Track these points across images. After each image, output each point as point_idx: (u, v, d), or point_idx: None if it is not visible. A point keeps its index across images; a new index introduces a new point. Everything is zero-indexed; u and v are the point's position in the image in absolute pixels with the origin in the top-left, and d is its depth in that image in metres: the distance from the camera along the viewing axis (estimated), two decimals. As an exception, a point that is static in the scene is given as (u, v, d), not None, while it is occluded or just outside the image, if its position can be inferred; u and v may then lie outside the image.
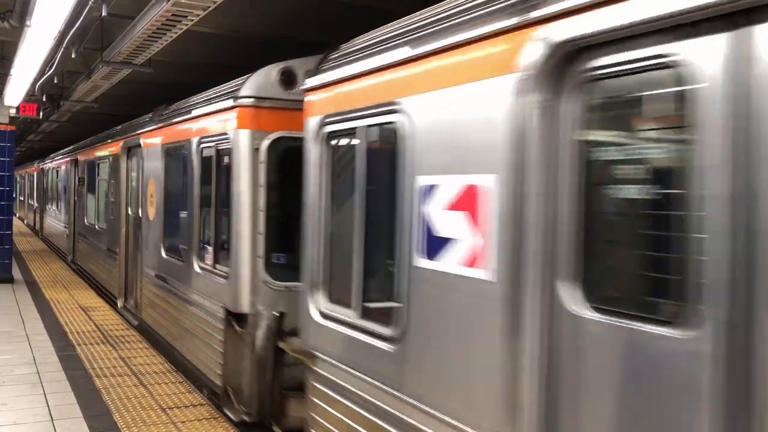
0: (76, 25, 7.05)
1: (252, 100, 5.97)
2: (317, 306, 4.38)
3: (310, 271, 4.46)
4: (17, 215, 34.30)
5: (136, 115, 11.45)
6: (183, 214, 7.69)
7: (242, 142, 5.98)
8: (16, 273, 14.17)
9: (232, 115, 6.14)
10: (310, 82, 4.64)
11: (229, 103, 6.20)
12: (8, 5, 7.58)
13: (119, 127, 11.95)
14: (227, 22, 7.35)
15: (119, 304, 11.08)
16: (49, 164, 23.46)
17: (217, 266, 6.65)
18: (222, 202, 6.59)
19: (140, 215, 9.64)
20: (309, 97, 4.68)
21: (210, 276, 6.78)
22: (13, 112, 13.18)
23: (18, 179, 35.42)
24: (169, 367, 7.46)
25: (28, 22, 6.72)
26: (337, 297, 4.24)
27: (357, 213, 4.02)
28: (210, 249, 6.94)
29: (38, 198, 26.50)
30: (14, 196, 26.56)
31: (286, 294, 5.81)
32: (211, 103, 6.80)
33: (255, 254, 5.91)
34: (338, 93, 4.32)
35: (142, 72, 9.23)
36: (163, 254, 8.42)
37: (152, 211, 8.91)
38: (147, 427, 5.58)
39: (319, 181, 4.46)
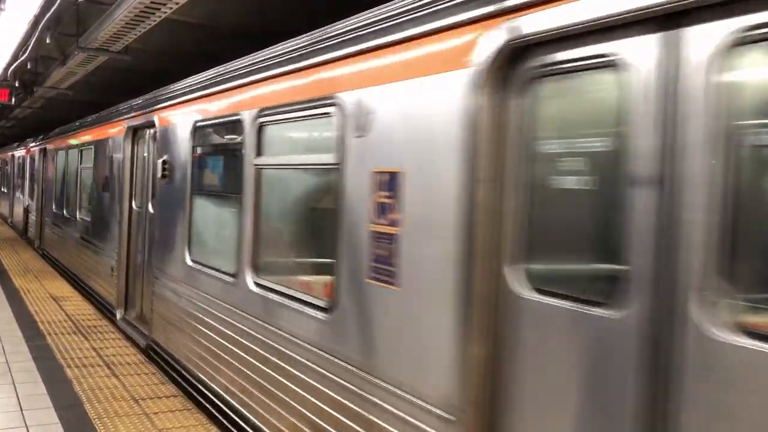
0: (52, 10, 6.94)
1: None
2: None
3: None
4: None
5: (112, 103, 11.28)
6: (225, 210, 5.96)
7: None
8: (-14, 261, 13.89)
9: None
10: None
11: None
12: (-18, -12, 7.43)
13: (122, 106, 9.72)
14: (206, 11, 7.28)
15: (118, 315, 9.01)
16: (18, 152, 22.38)
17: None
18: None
19: (151, 209, 7.87)
20: None
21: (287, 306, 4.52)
22: (-16, 96, 12.93)
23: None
24: (142, 358, 7.40)
25: (2, 6, 6.60)
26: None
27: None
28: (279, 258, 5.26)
29: (6, 185, 25.79)
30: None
31: None
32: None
33: None
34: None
35: (119, 59, 9.11)
36: (188, 261, 6.44)
37: (167, 204, 7.09)
38: (119, 418, 5.53)
39: None
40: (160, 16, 6.70)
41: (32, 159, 18.94)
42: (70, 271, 12.70)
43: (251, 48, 6.01)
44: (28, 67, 10.96)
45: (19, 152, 22.71)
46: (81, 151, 12.23)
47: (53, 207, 14.77)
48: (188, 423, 5.52)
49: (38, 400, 5.84)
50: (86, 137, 11.70)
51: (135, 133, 8.81)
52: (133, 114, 8.66)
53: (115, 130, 9.44)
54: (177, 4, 6.22)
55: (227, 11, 7.35)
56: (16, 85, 12.98)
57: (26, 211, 19.88)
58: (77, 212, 12.47)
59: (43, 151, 16.84)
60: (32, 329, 8.45)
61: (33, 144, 19.16)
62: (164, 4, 6.24)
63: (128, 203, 8.84)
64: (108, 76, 11.64)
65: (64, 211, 13.56)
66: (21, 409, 5.60)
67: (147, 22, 6.98)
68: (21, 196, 21.59)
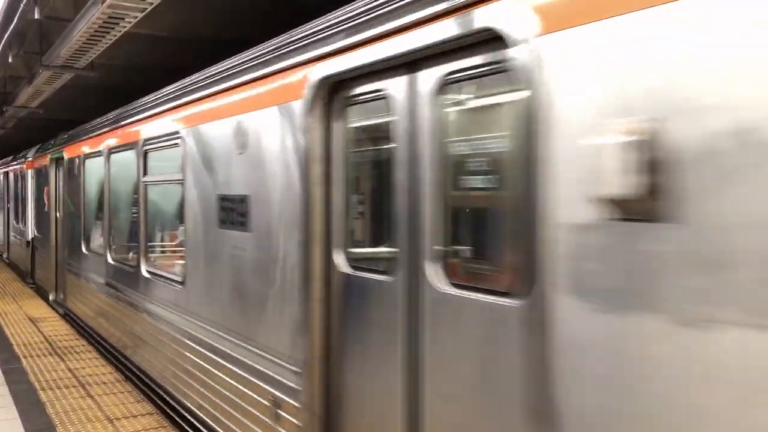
0: (10, 28, 6.84)
1: None
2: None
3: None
4: None
5: (84, 120, 11.16)
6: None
7: None
8: (-38, 285, 13.64)
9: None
10: None
11: None
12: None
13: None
14: (169, 23, 7.21)
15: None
16: (12, 168, 18.48)
17: None
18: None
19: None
20: None
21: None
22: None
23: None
24: (118, 377, 7.29)
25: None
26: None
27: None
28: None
29: None
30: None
31: None
32: None
33: None
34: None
35: (86, 76, 9.00)
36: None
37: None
38: (91, 439, 5.44)
39: None
40: (120, 31, 6.62)
41: (38, 174, 13.81)
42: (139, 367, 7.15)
43: (219, 57, 5.95)
44: (-4, 87, 10.83)
45: (15, 167, 17.53)
46: (146, 152, 6.91)
47: (85, 244, 9.57)
48: (162, 441, 5.43)
49: (9, 426, 5.73)
50: (168, 125, 6.22)
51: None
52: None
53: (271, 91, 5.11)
54: (136, 17, 6.14)
55: (191, 22, 7.28)
56: (-14, 105, 12.82)
57: (31, 246, 14.47)
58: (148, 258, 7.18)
59: (58, 162, 11.66)
60: (7, 352, 8.32)
61: (36, 154, 14.22)
62: (123, 18, 6.15)
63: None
64: (77, 94, 11.51)
65: (113, 253, 8.32)
66: (-9, 436, 5.50)
67: (108, 37, 6.89)
68: (20, 226, 16.25)
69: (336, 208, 3.70)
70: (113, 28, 6.54)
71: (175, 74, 6.98)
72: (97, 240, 9.23)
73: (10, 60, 8.20)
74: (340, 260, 3.69)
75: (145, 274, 6.87)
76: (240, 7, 6.66)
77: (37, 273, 14.03)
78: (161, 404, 6.25)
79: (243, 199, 4.56)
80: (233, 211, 4.71)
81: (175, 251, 6.88)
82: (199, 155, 5.32)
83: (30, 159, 14.81)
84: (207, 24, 7.33)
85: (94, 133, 9.21)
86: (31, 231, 14.54)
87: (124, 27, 6.45)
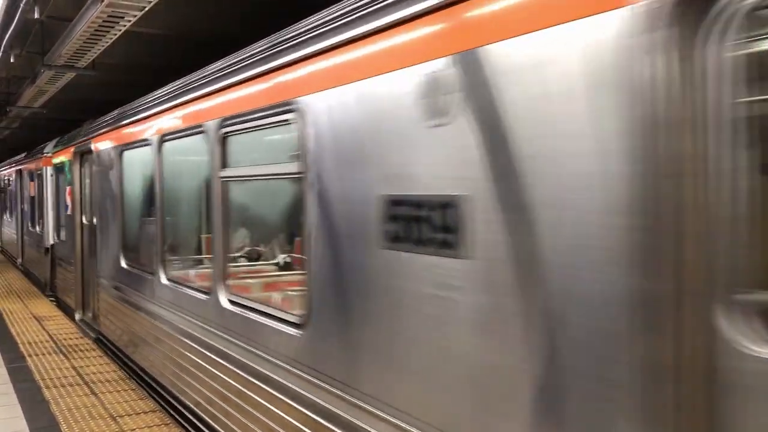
0: (11, 28, 6.87)
1: None
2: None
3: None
4: None
5: (87, 119, 11.20)
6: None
7: None
8: (-31, 285, 13.70)
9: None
10: None
11: None
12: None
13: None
14: (170, 22, 7.23)
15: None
16: (25, 166, 16.67)
17: None
18: None
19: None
20: None
21: None
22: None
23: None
24: (122, 375, 7.33)
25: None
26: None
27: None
28: None
29: (9, 210, 21.92)
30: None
31: None
32: None
33: None
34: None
35: (88, 75, 9.03)
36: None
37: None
38: (95, 436, 5.47)
39: None
40: (120, 30, 6.64)
41: (58, 171, 11.97)
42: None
43: (220, 56, 5.96)
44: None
45: (28, 165, 16.04)
46: (225, 135, 5.19)
47: (124, 256, 7.68)
48: (165, 438, 5.46)
49: (13, 423, 5.77)
50: (270, 92, 4.66)
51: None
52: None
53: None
54: (135, 16, 6.15)
55: (191, 21, 7.30)
56: (-10, 106, 12.90)
57: (51, 255, 12.79)
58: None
59: (83, 157, 9.90)
60: (12, 351, 8.37)
61: (56, 149, 12.29)
62: (122, 17, 6.17)
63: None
64: (80, 93, 11.56)
65: (166, 271, 6.31)
66: (-5, 434, 5.54)
67: (108, 36, 6.91)
68: (35, 229, 14.72)
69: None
70: (113, 27, 6.57)
71: (177, 73, 7.00)
72: (144, 253, 7.07)
73: (12, 60, 8.23)
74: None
75: (225, 304, 4.76)
76: (240, 3, 6.67)
77: (57, 284, 12.48)
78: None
79: (450, 203, 2.59)
80: (424, 223, 2.74)
81: (277, 274, 5.47)
82: (332, 135, 3.40)
83: (48, 154, 12.92)
84: (206, 21, 7.34)
85: (137, 117, 6.94)
86: (50, 237, 12.75)
87: (124, 26, 6.47)
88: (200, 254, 6.12)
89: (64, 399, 6.45)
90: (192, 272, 6.04)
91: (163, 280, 6.21)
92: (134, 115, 7.17)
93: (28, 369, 7.55)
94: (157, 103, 6.41)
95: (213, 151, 4.94)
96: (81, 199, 9.96)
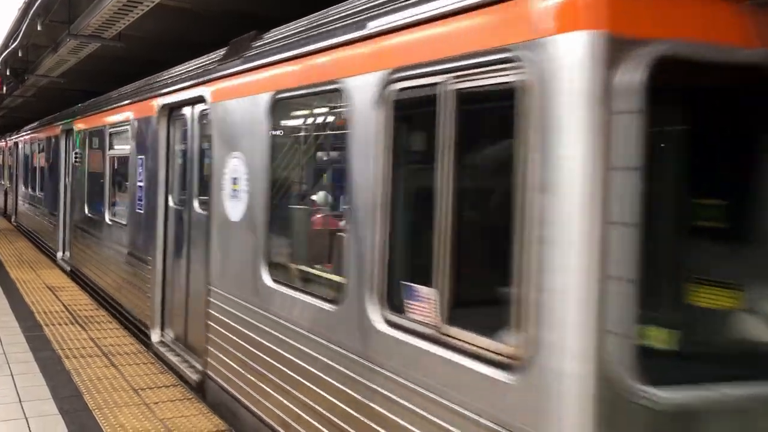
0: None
1: None
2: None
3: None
4: None
5: (105, 91, 11.16)
6: None
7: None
8: (-20, 252, 13.72)
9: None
10: None
11: None
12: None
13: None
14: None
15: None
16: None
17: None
18: None
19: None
20: None
21: None
22: (-26, 86, 12.74)
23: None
24: (140, 348, 7.36)
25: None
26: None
27: None
28: None
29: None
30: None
31: None
32: None
33: None
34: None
35: (112, 47, 8.99)
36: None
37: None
38: (119, 408, 5.50)
39: None
40: (153, 1, 6.60)
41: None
42: None
43: (245, 32, 5.91)
44: (19, 55, 10.81)
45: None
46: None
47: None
48: (189, 413, 5.49)
49: (37, 392, 5.80)
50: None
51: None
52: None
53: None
54: (170, -12, 6.12)
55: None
56: (7, 73, 12.83)
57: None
58: None
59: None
60: (29, 320, 8.40)
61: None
62: (157, -11, 6.14)
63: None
64: (101, 64, 11.50)
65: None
66: (20, 401, 5.56)
67: (140, 8, 6.88)
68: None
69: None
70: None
71: (202, 50, 6.95)
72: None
73: (39, 28, 8.18)
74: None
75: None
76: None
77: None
78: None
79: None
80: None
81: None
82: None
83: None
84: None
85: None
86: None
87: (157, -2, 6.43)
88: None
89: (84, 370, 6.47)
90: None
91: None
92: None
93: (46, 338, 7.57)
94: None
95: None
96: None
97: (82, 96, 13.92)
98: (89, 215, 10.51)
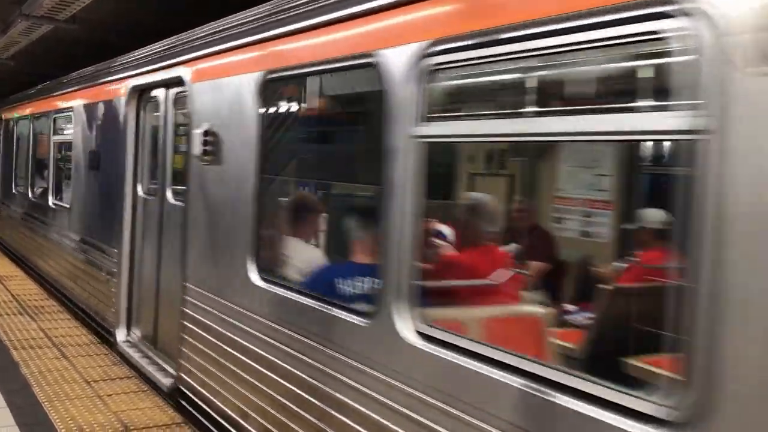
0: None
1: None
2: None
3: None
4: None
5: (58, 75, 10.78)
6: None
7: None
8: None
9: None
10: None
11: None
12: None
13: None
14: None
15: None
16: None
17: None
18: None
19: None
20: None
21: None
22: None
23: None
24: (93, 339, 7.17)
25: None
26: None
27: None
28: None
29: None
30: None
31: None
32: None
33: None
34: None
35: (66, 29, 8.68)
36: None
37: None
38: (70, 401, 5.35)
39: None
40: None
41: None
42: None
43: (212, 18, 5.77)
44: (-33, 34, 10.35)
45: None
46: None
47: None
48: (144, 405, 5.38)
49: (-17, 384, 5.60)
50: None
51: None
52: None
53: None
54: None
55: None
56: (-46, 54, 12.27)
57: None
58: None
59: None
60: (-25, 310, 8.10)
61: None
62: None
63: None
64: (54, 48, 11.11)
65: None
66: (-35, 393, 5.37)
67: (97, -12, 6.65)
68: None
69: None
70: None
71: (162, 37, 6.77)
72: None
73: (-12, 7, 7.85)
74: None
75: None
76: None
77: None
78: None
79: None
80: None
81: None
82: None
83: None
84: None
85: None
86: None
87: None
88: None
89: (34, 361, 6.28)
90: None
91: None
92: None
93: (-6, 329, 7.32)
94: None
95: None
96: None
97: (34, 79, 13.45)
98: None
